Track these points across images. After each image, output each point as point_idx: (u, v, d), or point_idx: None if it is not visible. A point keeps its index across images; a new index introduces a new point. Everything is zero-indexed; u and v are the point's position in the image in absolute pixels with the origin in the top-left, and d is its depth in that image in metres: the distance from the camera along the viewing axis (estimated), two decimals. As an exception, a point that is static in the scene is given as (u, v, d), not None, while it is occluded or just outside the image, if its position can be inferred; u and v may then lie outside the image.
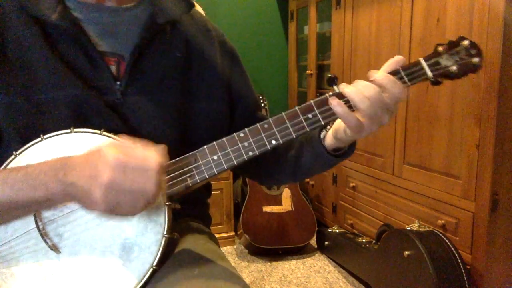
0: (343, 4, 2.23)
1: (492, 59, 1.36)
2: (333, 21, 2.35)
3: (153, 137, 0.71)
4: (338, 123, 0.69)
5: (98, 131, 0.64)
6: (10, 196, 0.57)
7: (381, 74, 0.63)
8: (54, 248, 0.63)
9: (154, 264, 0.63)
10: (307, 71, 2.67)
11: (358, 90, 0.62)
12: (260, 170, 0.86)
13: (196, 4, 0.83)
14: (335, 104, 0.63)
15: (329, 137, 0.73)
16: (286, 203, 2.39)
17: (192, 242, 0.74)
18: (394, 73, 0.64)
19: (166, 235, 0.63)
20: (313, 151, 0.76)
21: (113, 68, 0.70)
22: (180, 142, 0.74)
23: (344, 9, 2.22)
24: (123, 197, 0.54)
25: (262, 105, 2.63)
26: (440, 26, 1.59)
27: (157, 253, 0.63)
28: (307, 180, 2.73)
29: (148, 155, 0.55)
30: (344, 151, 0.75)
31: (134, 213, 0.58)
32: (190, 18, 0.81)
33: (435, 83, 0.66)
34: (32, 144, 0.64)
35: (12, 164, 0.63)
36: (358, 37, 2.12)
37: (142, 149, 0.57)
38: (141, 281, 0.62)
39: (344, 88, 0.64)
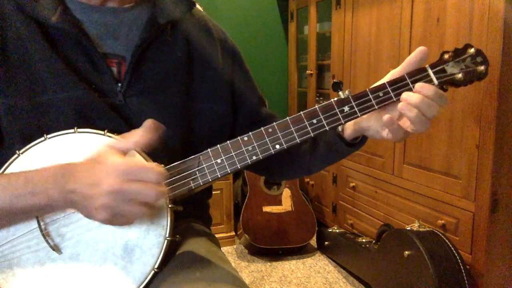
0: (343, 4, 2.23)
1: (492, 59, 1.36)
2: (333, 21, 2.35)
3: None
4: (368, 121, 0.69)
5: (102, 132, 0.64)
6: (11, 202, 0.57)
7: (435, 91, 0.63)
8: (56, 248, 0.63)
9: (156, 266, 0.62)
10: (307, 71, 2.67)
11: (420, 114, 0.62)
12: (273, 166, 0.85)
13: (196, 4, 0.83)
14: (389, 122, 0.63)
15: (349, 130, 0.72)
16: (286, 203, 2.39)
17: (193, 244, 0.74)
18: (399, 79, 0.65)
19: (168, 238, 0.63)
20: (330, 144, 0.75)
21: (114, 69, 0.70)
22: (182, 143, 0.74)
23: (344, 9, 2.23)
24: (123, 205, 0.55)
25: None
26: (440, 26, 1.59)
27: (159, 255, 0.62)
28: (307, 180, 2.73)
29: (149, 165, 0.56)
30: (360, 140, 0.74)
31: (130, 223, 0.59)
32: (191, 17, 0.80)
33: (440, 90, 0.66)
34: (35, 144, 0.64)
35: (15, 163, 0.63)
36: (358, 37, 2.12)
37: (142, 158, 0.58)
38: (142, 283, 0.62)
39: (406, 112, 0.63)
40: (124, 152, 0.59)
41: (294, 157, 0.82)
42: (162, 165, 0.64)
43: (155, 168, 0.56)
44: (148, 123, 0.60)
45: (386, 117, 0.63)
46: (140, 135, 0.59)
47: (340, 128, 0.73)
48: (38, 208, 0.59)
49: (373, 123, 0.68)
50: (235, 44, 0.86)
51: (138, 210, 0.56)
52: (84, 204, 0.56)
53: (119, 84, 0.69)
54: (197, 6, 0.82)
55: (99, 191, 0.54)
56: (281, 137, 0.65)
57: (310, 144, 0.80)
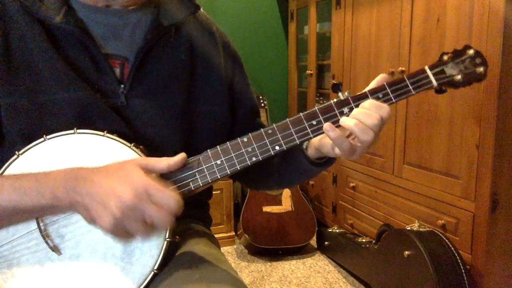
0: (343, 4, 2.22)
1: (492, 59, 1.36)
2: (333, 21, 2.35)
3: (157, 140, 0.71)
4: (325, 138, 0.67)
5: (101, 133, 0.64)
6: (17, 201, 0.57)
7: (371, 102, 0.62)
8: (55, 249, 0.63)
9: (155, 267, 0.63)
10: (307, 71, 2.67)
11: (359, 122, 0.60)
12: (251, 178, 0.86)
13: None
14: (328, 129, 0.61)
15: (312, 148, 0.72)
16: (286, 203, 2.39)
17: (192, 245, 0.74)
18: (399, 81, 0.64)
19: (167, 239, 0.63)
20: (294, 160, 0.75)
21: (117, 71, 0.70)
22: (183, 145, 0.74)
23: (344, 9, 2.22)
24: (131, 222, 0.55)
25: (262, 105, 2.63)
26: (440, 26, 1.59)
27: (158, 257, 0.63)
28: (307, 180, 2.73)
29: (170, 192, 0.56)
30: (326, 160, 0.73)
31: (127, 240, 0.58)
32: (195, 20, 0.81)
33: (440, 91, 0.66)
34: (35, 144, 0.64)
35: (14, 164, 0.63)
36: (358, 37, 2.12)
37: (166, 186, 0.58)
38: (142, 284, 0.62)
39: (345, 121, 0.62)
40: (151, 172, 0.59)
41: (267, 171, 0.82)
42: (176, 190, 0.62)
43: (175, 197, 0.56)
44: (183, 155, 0.62)
45: (326, 124, 0.62)
46: (174, 161, 0.60)
47: (304, 145, 0.73)
48: (42, 208, 0.58)
49: (328, 140, 0.66)
50: (237, 50, 0.87)
51: (142, 230, 0.56)
52: (92, 208, 0.55)
53: (122, 85, 0.69)
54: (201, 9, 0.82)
55: (115, 200, 0.54)
56: (280, 139, 0.64)
57: (280, 160, 0.80)
